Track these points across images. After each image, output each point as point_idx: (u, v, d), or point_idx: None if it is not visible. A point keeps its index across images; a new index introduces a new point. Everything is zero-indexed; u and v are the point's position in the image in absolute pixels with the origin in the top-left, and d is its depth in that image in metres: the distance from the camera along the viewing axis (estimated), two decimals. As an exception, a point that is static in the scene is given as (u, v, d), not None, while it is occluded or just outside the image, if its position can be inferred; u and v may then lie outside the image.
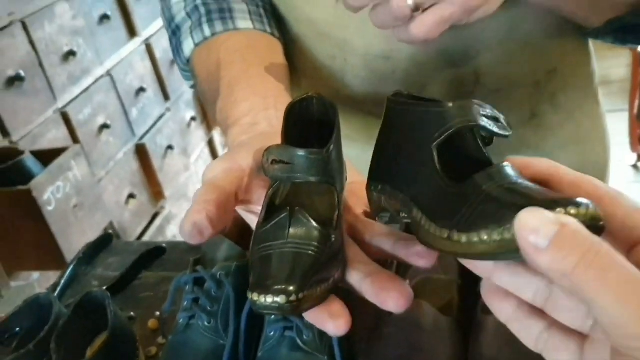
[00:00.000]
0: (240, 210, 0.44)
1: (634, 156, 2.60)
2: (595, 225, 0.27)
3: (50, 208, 1.43)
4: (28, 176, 1.42)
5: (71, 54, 1.80)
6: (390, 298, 0.35)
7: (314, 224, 0.37)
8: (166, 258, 0.91)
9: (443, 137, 0.35)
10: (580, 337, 0.31)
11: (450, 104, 0.36)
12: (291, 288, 0.33)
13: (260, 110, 0.53)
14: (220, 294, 0.65)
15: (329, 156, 0.40)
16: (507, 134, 0.35)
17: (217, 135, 2.73)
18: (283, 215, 0.37)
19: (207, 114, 2.65)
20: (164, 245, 0.92)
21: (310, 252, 0.36)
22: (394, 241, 0.40)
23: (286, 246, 0.36)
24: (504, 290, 0.33)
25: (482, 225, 0.31)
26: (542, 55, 0.67)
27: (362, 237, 0.42)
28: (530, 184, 0.32)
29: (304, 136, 0.43)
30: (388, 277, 0.36)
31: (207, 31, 0.65)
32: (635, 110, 2.27)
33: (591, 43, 0.73)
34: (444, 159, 0.37)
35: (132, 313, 0.79)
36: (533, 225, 0.26)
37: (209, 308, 0.64)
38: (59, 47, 1.76)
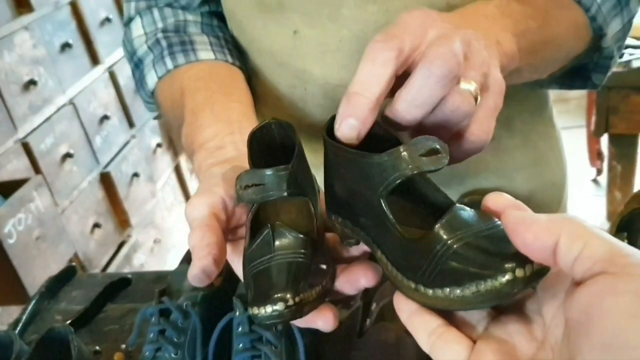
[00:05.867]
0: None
1: (594, 171, 2.67)
2: (545, 271, 0.32)
3: (11, 241, 1.40)
4: (-12, 209, 1.39)
5: (32, 83, 1.77)
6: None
7: (296, 233, 0.39)
8: (131, 289, 0.90)
9: (386, 191, 0.36)
10: (470, 340, 0.34)
11: (383, 156, 0.36)
12: (288, 294, 0.35)
13: (225, 135, 0.54)
14: (187, 324, 0.64)
15: (295, 170, 0.41)
16: (439, 167, 0.36)
17: (183, 161, 2.72)
18: (265, 232, 0.39)
19: (173, 140, 2.63)
20: (129, 276, 0.91)
21: (298, 259, 0.38)
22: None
23: (274, 259, 0.38)
24: None
25: (445, 283, 0.33)
26: None
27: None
28: (487, 234, 0.34)
29: (270, 162, 0.45)
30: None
31: (169, 64, 0.66)
32: (592, 127, 2.34)
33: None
34: (399, 203, 0.38)
35: (97, 347, 0.78)
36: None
37: (175, 339, 0.64)
38: (19, 76, 1.74)
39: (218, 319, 0.63)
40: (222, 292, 0.68)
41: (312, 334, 0.65)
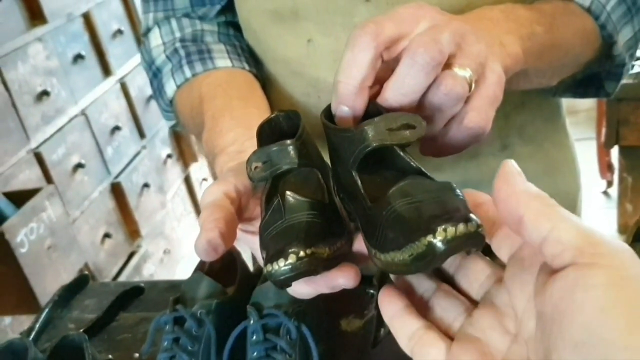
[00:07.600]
0: (239, 232, 0.45)
1: (604, 183, 2.66)
2: (474, 235, 0.31)
3: (23, 250, 1.41)
4: (0, 218, 1.39)
5: (45, 93, 1.79)
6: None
7: (304, 198, 0.40)
8: (144, 298, 0.89)
9: (356, 162, 0.38)
10: (449, 340, 0.35)
11: (352, 129, 0.38)
12: (300, 248, 0.35)
13: (245, 140, 0.55)
14: (201, 333, 0.64)
15: (300, 143, 0.42)
16: (405, 141, 0.38)
17: (193, 171, 2.73)
18: (275, 202, 0.40)
19: (183, 151, 2.64)
20: (141, 285, 0.91)
21: (308, 219, 0.38)
22: None
23: (285, 222, 0.39)
24: (398, 292, 0.37)
25: (389, 247, 0.34)
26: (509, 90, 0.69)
27: None
28: (434, 199, 0.34)
29: None
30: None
31: (187, 72, 0.67)
32: (602, 138, 2.34)
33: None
34: (373, 173, 0.40)
35: (110, 356, 0.78)
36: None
37: (189, 348, 0.64)
38: (32, 87, 1.76)
39: (232, 327, 0.63)
40: (236, 300, 0.68)
41: (326, 343, 0.64)
